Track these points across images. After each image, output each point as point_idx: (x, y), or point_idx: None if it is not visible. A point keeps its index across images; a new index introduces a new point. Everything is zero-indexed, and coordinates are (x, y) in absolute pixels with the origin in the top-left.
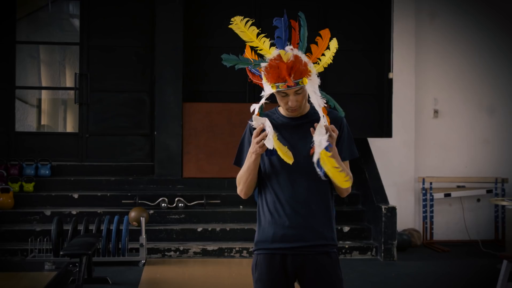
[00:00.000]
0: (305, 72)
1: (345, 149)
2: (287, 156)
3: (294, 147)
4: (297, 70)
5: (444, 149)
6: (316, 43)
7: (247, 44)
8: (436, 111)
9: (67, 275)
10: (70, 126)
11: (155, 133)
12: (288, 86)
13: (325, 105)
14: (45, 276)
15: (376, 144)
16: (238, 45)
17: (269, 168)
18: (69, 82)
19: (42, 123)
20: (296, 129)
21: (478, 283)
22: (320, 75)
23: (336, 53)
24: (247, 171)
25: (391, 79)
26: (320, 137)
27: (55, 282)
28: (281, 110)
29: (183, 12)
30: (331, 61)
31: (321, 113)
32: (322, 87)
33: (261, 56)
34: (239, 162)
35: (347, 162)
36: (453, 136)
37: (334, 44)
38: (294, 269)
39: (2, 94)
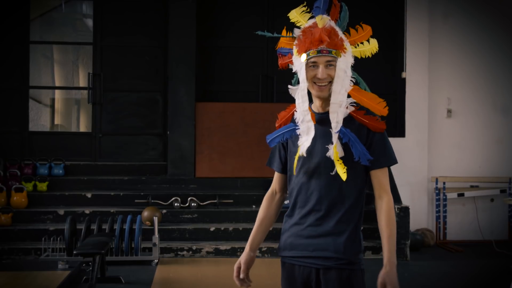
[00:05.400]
0: (339, 46)
1: (375, 156)
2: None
3: (312, 145)
4: (331, 38)
5: (458, 149)
6: (356, 30)
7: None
8: (449, 111)
9: (80, 274)
10: (84, 125)
11: (168, 132)
12: (318, 52)
13: (351, 87)
14: (59, 275)
15: None
16: (250, 45)
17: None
18: (82, 82)
19: (56, 122)
20: (318, 125)
21: (491, 283)
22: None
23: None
24: None
25: (404, 79)
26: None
27: (69, 281)
28: (313, 106)
29: (196, 11)
30: (369, 55)
31: (340, 108)
32: None
33: None
34: (270, 164)
35: (381, 173)
36: (466, 135)
37: (375, 44)
38: (304, 281)
39: (16, 94)
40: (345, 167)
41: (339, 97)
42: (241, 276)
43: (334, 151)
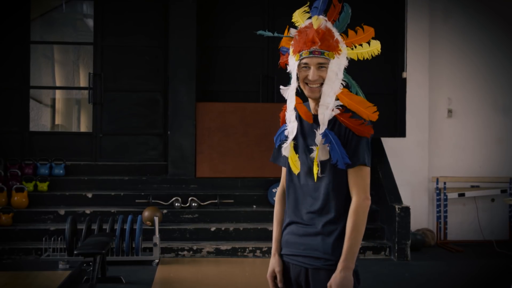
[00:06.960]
0: (333, 47)
1: (350, 154)
2: (294, 165)
3: (306, 147)
4: (325, 40)
5: (458, 149)
6: (355, 31)
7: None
8: (450, 111)
9: (81, 274)
10: (84, 125)
11: (169, 132)
12: (310, 53)
13: (341, 89)
14: (59, 275)
15: (389, 144)
16: (251, 45)
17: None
18: (83, 82)
19: (56, 122)
20: (310, 127)
21: (492, 283)
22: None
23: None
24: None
25: (405, 79)
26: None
27: (69, 281)
28: (310, 107)
29: (196, 11)
30: (369, 57)
31: (325, 112)
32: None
33: None
34: (275, 160)
35: (354, 173)
36: (467, 135)
37: (377, 46)
38: (295, 279)
39: (17, 94)
40: (318, 168)
41: (327, 99)
42: (280, 285)
43: (316, 152)
